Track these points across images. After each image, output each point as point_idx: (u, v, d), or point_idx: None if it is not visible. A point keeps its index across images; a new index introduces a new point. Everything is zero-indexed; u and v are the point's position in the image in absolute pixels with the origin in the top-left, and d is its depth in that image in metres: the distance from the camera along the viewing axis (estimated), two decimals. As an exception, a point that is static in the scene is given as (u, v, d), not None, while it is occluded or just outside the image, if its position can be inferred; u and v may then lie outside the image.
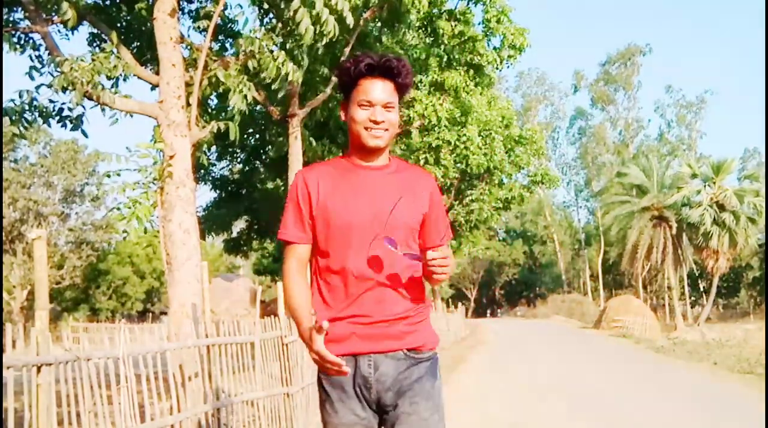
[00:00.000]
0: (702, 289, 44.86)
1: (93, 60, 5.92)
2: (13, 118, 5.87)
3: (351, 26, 6.70)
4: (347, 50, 10.65)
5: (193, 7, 9.43)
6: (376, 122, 1.97)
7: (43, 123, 6.15)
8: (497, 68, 14.96)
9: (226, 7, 9.27)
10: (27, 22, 6.56)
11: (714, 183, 30.75)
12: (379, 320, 1.94)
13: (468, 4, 14.56)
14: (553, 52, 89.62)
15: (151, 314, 39.60)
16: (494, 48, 14.61)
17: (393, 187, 2.02)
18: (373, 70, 1.98)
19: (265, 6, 8.92)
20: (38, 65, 6.60)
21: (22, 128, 5.96)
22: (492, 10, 14.11)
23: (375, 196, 2.00)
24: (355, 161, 2.05)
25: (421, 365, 1.98)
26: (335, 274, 1.97)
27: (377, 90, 1.99)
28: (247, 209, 20.83)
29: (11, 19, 7.05)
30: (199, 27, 7.73)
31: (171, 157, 5.93)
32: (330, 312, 1.95)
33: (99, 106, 6.14)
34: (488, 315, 54.99)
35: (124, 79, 6.66)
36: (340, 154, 2.37)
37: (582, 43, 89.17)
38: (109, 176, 5.85)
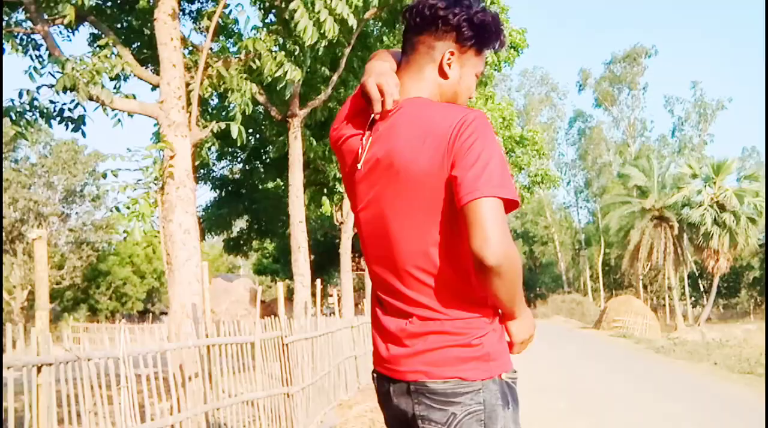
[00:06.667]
0: (702, 289, 44.81)
1: (96, 60, 5.93)
2: (14, 118, 5.88)
3: (353, 27, 6.72)
4: (347, 51, 10.65)
5: (194, 7, 9.45)
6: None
7: (45, 123, 6.16)
8: (496, 69, 14.98)
9: (229, 12, 9.28)
10: (29, 23, 6.57)
11: (714, 183, 30.74)
12: None
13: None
14: (560, 53, 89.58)
15: (151, 314, 39.54)
16: (493, 48, 14.64)
17: None
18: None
19: (266, 4, 8.93)
20: (38, 66, 6.61)
21: (22, 128, 5.97)
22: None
23: None
24: None
25: None
26: None
27: None
28: (247, 209, 20.84)
29: (13, 20, 7.06)
30: (200, 28, 7.75)
31: (171, 158, 5.94)
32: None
33: (100, 106, 6.15)
34: (488, 315, 54.78)
35: (125, 79, 6.67)
36: None
37: (589, 45, 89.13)
38: (104, 176, 5.85)
